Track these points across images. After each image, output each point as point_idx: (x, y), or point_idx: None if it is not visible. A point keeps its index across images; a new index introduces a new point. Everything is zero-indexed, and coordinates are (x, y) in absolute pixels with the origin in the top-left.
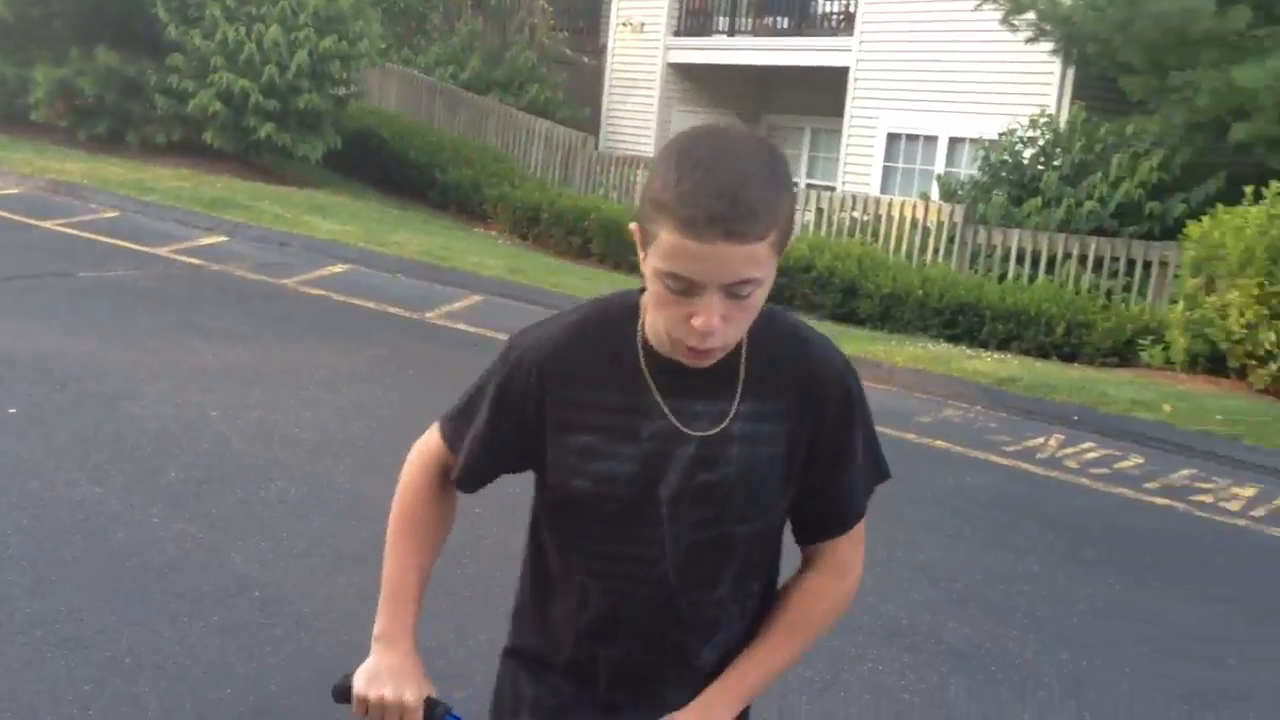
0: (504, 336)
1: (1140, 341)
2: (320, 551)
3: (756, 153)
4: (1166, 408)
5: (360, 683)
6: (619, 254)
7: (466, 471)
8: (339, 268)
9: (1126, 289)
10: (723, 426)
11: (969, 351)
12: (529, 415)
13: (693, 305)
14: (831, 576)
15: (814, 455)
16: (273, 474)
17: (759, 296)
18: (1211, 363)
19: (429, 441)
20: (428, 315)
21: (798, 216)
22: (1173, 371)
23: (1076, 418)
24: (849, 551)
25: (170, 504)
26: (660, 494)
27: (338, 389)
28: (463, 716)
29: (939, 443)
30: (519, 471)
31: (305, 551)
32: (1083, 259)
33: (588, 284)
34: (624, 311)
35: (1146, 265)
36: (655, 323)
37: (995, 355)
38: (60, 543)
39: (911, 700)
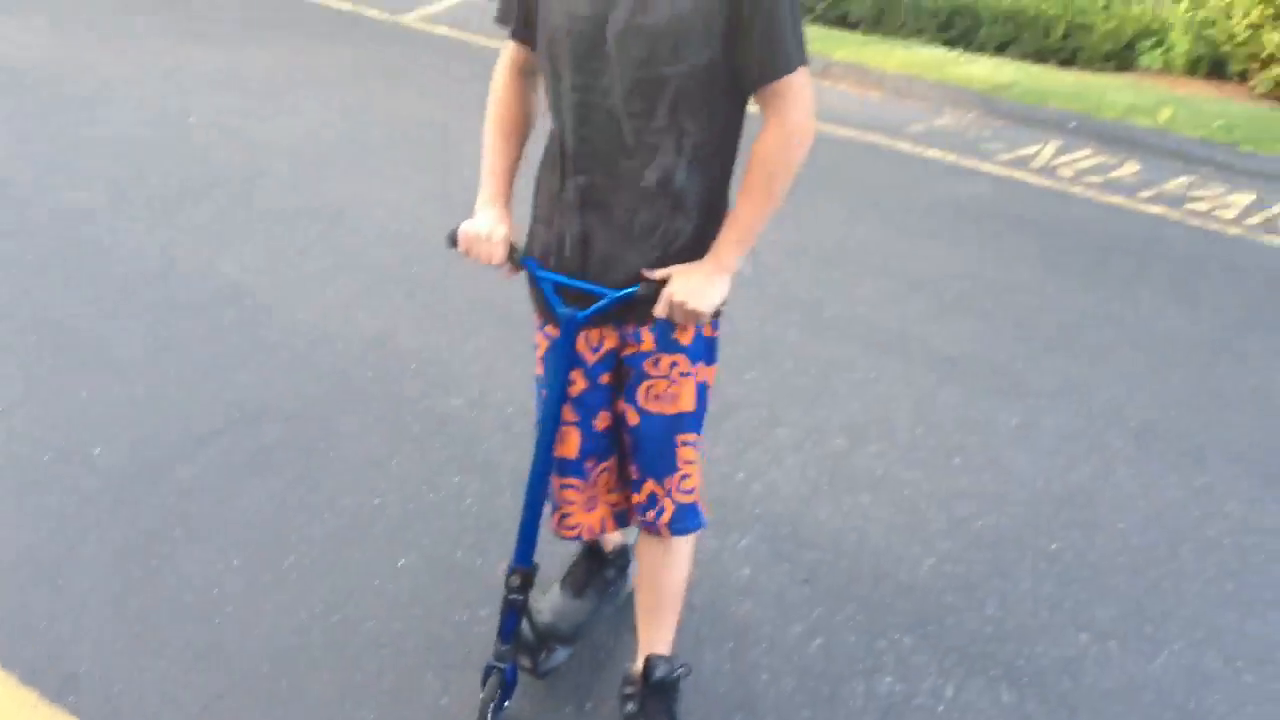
0: (487, 41)
1: (1140, 45)
2: (310, 259)
3: None
4: (1165, 113)
5: (464, 225)
6: None
7: (516, 23)
8: None
9: None
10: None
11: (964, 56)
12: None
13: None
14: (775, 131)
15: (735, 10)
16: (255, 181)
17: None
18: (1213, 66)
19: (501, 52)
20: (405, 19)
21: None
22: (1172, 76)
23: (1073, 124)
24: (789, 108)
25: (154, 211)
26: (608, 33)
27: (317, 94)
28: (536, 267)
29: (932, 151)
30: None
31: (294, 260)
32: None
33: None
34: None
35: None
36: None
37: (991, 60)
38: (44, 249)
39: (902, 406)
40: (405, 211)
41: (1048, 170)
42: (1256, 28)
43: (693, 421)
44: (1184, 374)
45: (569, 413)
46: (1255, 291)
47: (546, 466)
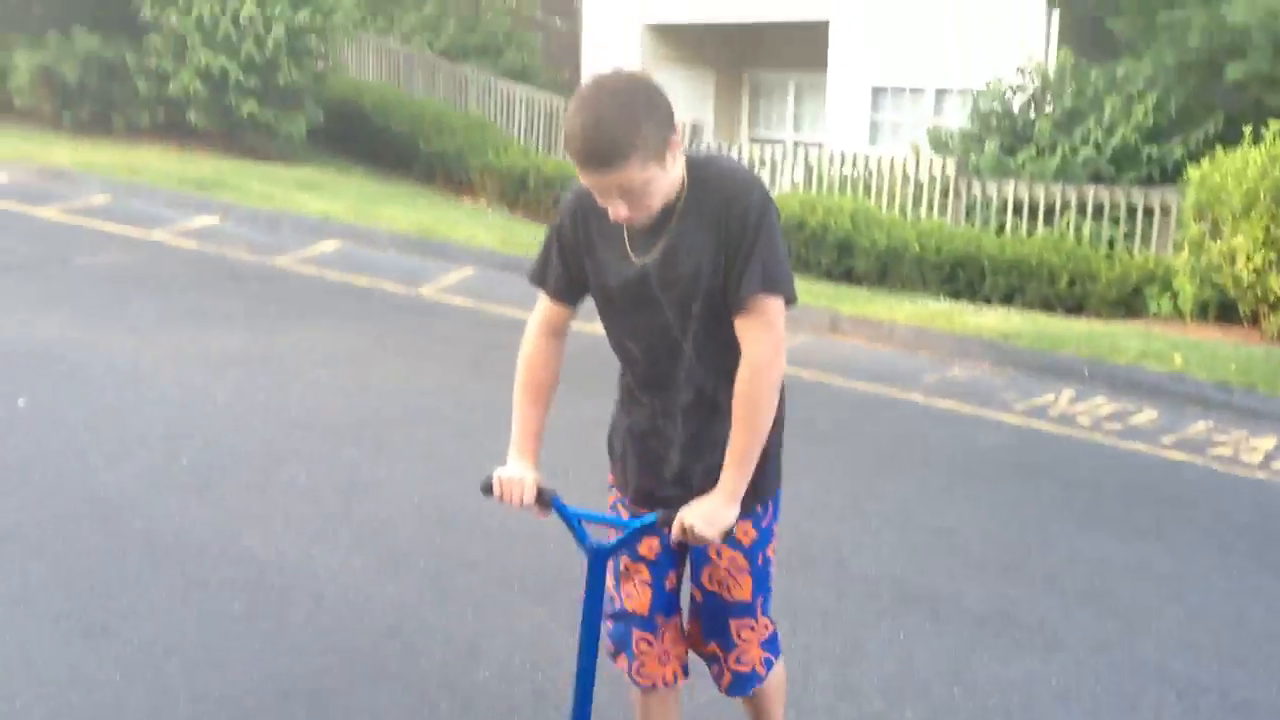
0: (503, 309)
1: (1147, 291)
2: (334, 533)
3: (618, 90)
4: (1178, 358)
5: (497, 471)
6: None
7: (555, 286)
8: (331, 245)
9: (1129, 237)
10: (669, 247)
11: (971, 307)
12: (573, 242)
13: (606, 201)
14: (745, 368)
15: (729, 252)
16: (282, 457)
17: (655, 189)
18: (1222, 310)
19: (533, 312)
20: (423, 290)
21: (786, 173)
22: (1182, 321)
23: (1087, 372)
24: (757, 335)
25: (184, 490)
26: (653, 283)
27: (340, 369)
28: (564, 502)
29: (947, 403)
30: (584, 281)
31: (319, 533)
32: (1082, 207)
33: None
34: None
35: (1148, 212)
36: None
37: (998, 310)
38: (79, 532)
39: (936, 667)
40: (427, 483)
41: (1065, 418)
42: (1261, 272)
43: (749, 609)
44: (1223, 624)
45: (644, 573)
46: None
47: (591, 673)
